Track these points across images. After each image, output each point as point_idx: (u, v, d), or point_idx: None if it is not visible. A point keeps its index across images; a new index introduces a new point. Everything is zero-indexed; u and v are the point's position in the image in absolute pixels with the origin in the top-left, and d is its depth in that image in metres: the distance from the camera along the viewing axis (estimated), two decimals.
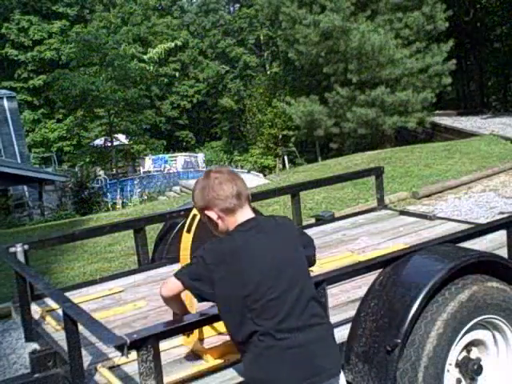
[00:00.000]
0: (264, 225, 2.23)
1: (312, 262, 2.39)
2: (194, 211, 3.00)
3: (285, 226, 2.28)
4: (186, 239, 2.99)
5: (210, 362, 2.67)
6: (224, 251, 2.14)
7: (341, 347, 2.68)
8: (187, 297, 3.01)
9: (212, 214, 2.23)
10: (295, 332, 2.06)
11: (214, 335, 2.95)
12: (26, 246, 3.65)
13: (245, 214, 2.22)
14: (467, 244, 3.12)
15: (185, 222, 3.09)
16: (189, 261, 3.04)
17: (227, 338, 2.92)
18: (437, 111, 20.46)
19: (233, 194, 2.20)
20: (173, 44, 31.16)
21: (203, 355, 2.73)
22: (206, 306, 3.18)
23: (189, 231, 2.97)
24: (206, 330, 2.89)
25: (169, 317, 2.82)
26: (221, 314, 2.21)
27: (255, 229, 2.19)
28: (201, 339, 2.86)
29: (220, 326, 2.93)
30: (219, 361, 2.65)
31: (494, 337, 2.85)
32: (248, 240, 2.16)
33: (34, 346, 3.23)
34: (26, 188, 22.18)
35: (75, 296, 3.75)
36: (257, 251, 2.14)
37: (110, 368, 2.68)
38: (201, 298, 2.23)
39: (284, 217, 2.44)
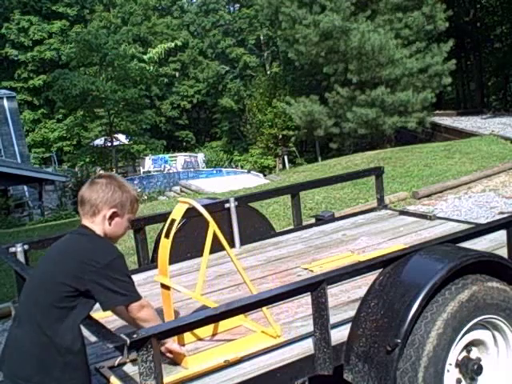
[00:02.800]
0: (65, 238, 2.34)
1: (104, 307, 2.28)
2: (172, 216, 2.94)
3: (72, 252, 2.26)
4: (165, 245, 2.90)
5: (209, 362, 2.67)
6: None
7: (341, 347, 2.68)
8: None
9: None
10: None
11: (214, 335, 2.95)
12: (25, 246, 3.65)
13: (83, 220, 2.33)
14: (467, 244, 3.12)
15: (185, 222, 3.06)
16: (167, 266, 2.94)
17: (227, 337, 2.92)
18: (437, 111, 20.43)
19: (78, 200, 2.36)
20: (173, 44, 31.20)
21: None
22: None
23: (167, 236, 2.89)
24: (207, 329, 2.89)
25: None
26: None
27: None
28: (200, 339, 2.86)
29: (220, 326, 2.93)
30: (219, 361, 2.65)
31: (494, 337, 2.85)
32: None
33: None
34: (26, 188, 22.18)
35: None
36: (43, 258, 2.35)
37: (110, 368, 2.68)
38: None
39: (91, 241, 2.31)
